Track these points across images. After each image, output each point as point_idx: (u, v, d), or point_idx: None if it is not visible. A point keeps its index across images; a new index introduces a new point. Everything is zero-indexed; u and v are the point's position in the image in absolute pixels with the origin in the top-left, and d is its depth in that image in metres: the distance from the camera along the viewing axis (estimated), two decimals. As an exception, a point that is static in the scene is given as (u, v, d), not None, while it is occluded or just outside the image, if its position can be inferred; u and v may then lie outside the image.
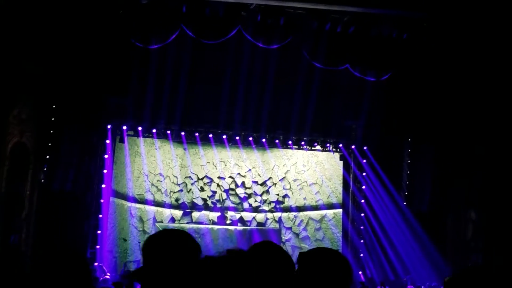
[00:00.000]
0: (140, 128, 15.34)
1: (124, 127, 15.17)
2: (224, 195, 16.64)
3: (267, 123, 15.42)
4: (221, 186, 16.69)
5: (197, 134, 15.73)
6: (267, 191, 16.91)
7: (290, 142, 16.34)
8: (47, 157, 13.42)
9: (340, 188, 17.06)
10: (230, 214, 16.54)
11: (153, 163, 16.23)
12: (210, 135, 15.78)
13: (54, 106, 13.52)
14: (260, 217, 16.74)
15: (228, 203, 16.62)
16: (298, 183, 17.14)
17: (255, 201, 16.79)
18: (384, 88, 14.74)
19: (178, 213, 16.31)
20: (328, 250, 2.48)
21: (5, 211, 12.03)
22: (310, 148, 16.79)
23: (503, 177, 13.55)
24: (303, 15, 13.45)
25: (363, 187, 16.34)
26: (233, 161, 16.69)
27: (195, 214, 16.40)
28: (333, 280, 2.33)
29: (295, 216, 17.00)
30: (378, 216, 15.81)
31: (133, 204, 15.83)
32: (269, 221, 16.84)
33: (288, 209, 16.98)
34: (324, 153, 17.16)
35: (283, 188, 17.00)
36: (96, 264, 13.72)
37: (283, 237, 16.74)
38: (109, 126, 14.84)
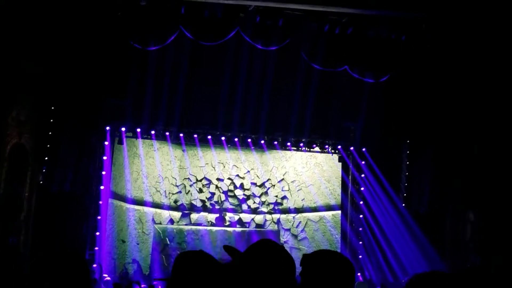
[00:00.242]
0: (138, 130, 15.34)
1: (123, 129, 15.16)
2: (223, 197, 16.65)
3: (266, 125, 15.43)
4: (220, 187, 16.70)
5: (195, 135, 15.73)
6: (266, 193, 16.92)
7: (288, 144, 16.34)
8: (46, 158, 13.41)
9: (338, 190, 17.07)
10: (228, 215, 16.55)
11: (151, 165, 16.23)
12: (209, 137, 15.78)
13: (52, 108, 13.52)
14: (258, 218, 16.75)
15: (226, 205, 16.63)
16: (296, 184, 17.15)
17: (254, 202, 16.80)
18: (383, 89, 14.76)
19: (176, 214, 16.31)
20: (331, 252, 2.50)
21: (4, 213, 12.02)
22: (308, 149, 16.79)
23: (501, 178, 13.57)
24: (302, 16, 13.47)
25: (362, 188, 16.34)
26: (231, 163, 16.70)
27: (194, 216, 16.40)
28: (337, 282, 2.35)
29: (294, 218, 17.02)
30: (376, 217, 15.81)
31: (132, 206, 15.82)
32: (267, 223, 16.84)
33: (287, 211, 16.99)
34: (322, 154, 17.17)
35: (282, 190, 17.02)
36: (94, 265, 13.71)
37: (281, 239, 16.75)
38: (107, 128, 14.83)
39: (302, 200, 17.09)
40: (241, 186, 16.77)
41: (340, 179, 17.03)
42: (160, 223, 16.06)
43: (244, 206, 16.71)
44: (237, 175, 16.80)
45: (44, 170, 13.37)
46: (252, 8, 13.25)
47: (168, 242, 15.90)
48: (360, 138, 16.06)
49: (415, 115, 15.17)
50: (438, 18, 13.23)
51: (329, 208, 17.12)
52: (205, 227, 16.25)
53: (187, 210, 16.37)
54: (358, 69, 14.28)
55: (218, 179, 16.65)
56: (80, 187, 14.01)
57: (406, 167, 15.92)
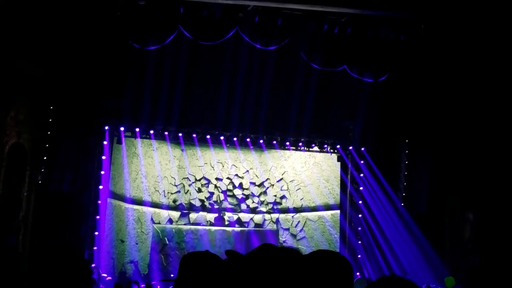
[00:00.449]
0: (137, 129, 15.33)
1: (122, 128, 15.15)
2: (222, 196, 16.64)
3: (265, 124, 15.44)
4: (219, 187, 16.69)
5: (194, 135, 15.72)
6: (265, 192, 16.91)
7: (287, 143, 16.34)
8: (45, 158, 13.41)
9: (337, 189, 17.07)
10: (227, 215, 16.54)
11: (150, 164, 16.22)
12: (208, 136, 15.77)
13: (51, 107, 13.51)
14: (257, 218, 16.75)
15: (225, 204, 16.62)
16: (295, 184, 17.15)
17: (253, 202, 16.80)
18: (382, 89, 14.77)
19: (175, 214, 16.29)
20: (329, 252, 2.51)
21: (2, 212, 12.01)
22: (307, 149, 16.80)
23: (500, 178, 13.58)
24: (301, 16, 13.47)
25: (361, 188, 16.35)
26: (230, 162, 16.69)
27: (193, 215, 16.39)
28: (336, 282, 2.35)
29: (293, 217, 17.01)
30: (375, 217, 15.82)
31: (131, 205, 15.81)
32: (266, 222, 16.84)
33: (286, 210, 16.98)
34: (321, 154, 17.17)
35: (281, 189, 17.01)
36: (93, 265, 13.70)
37: (280, 238, 16.74)
38: (106, 127, 14.82)
39: (301, 199, 17.09)
40: (240, 186, 16.77)
41: (339, 178, 17.03)
42: (159, 223, 16.05)
43: (243, 206, 16.70)
44: (236, 175, 16.79)
45: (42, 170, 13.36)
46: (251, 8, 13.25)
47: (167, 242, 15.89)
48: (359, 137, 16.07)
49: (414, 115, 15.19)
50: (437, 19, 13.24)
51: (328, 207, 17.12)
52: (204, 227, 16.24)
53: (186, 209, 16.36)
54: (357, 69, 14.28)
55: (217, 179, 16.65)
56: (79, 187, 14.00)
57: (405, 167, 15.93)
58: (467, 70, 13.78)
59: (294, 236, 16.95)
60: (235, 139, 15.91)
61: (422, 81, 14.49)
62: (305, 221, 17.04)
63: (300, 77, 14.61)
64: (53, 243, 12.63)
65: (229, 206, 16.66)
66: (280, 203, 16.98)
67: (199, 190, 16.55)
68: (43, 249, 12.41)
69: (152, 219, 16.00)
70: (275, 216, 16.89)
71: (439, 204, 15.44)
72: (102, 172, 14.63)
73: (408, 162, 15.93)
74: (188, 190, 16.49)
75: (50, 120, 13.50)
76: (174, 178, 16.37)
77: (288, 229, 16.94)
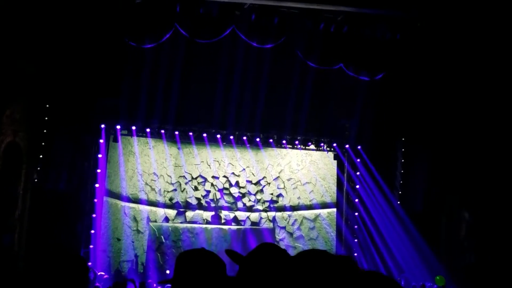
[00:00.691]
0: (133, 128, 15.31)
1: (118, 127, 15.13)
2: (218, 195, 16.63)
3: (261, 123, 15.44)
4: (215, 185, 16.68)
5: (191, 133, 15.72)
6: (261, 191, 16.91)
7: (284, 142, 16.35)
8: (41, 156, 13.37)
9: (334, 188, 17.10)
10: (224, 213, 16.53)
11: (147, 163, 16.20)
12: (204, 135, 15.77)
13: (47, 106, 13.47)
14: (254, 216, 16.75)
15: (222, 203, 16.61)
16: (292, 182, 17.15)
17: (249, 200, 16.79)
18: (378, 87, 14.79)
19: (172, 212, 16.28)
20: (320, 252, 2.49)
21: (-2, 211, 11.99)
22: (304, 147, 16.81)
23: (497, 176, 13.62)
24: (297, 14, 13.48)
25: (357, 186, 16.38)
26: (227, 161, 16.68)
27: (189, 214, 16.38)
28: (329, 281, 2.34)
29: (289, 216, 17.01)
30: (372, 215, 15.86)
31: (127, 204, 15.78)
32: (263, 221, 16.84)
33: (282, 209, 16.99)
34: (318, 152, 17.19)
35: (277, 188, 17.01)
36: (89, 264, 13.68)
37: (277, 237, 16.75)
38: (102, 126, 14.79)
39: (297, 198, 17.10)
40: (237, 184, 16.76)
41: (336, 177, 17.05)
42: (155, 221, 16.03)
43: (240, 204, 16.70)
44: (233, 173, 16.78)
45: (38, 168, 13.33)
46: (247, 6, 13.25)
47: (164, 240, 15.88)
48: (356, 136, 16.10)
49: (410, 113, 15.21)
50: (433, 17, 13.26)
51: (324, 206, 17.14)
52: (201, 225, 16.23)
53: (182, 208, 16.35)
54: (353, 67, 14.30)
55: (213, 177, 16.63)
56: (75, 185, 13.97)
57: (401, 165, 15.96)
58: (464, 68, 13.81)
59: (290, 234, 16.96)
60: (231, 137, 15.91)
61: (419, 80, 14.52)
62: (302, 220, 17.05)
63: (296, 75, 14.62)
64: (49, 242, 12.60)
65: (226, 204, 16.65)
66: (276, 202, 16.98)
67: (196, 189, 16.53)
68: (39, 248, 12.38)
69: (148, 217, 15.98)
70: (271, 214, 16.89)
71: (435, 202, 15.48)
72: (98, 171, 14.60)
73: (404, 160, 15.97)
74: (184, 189, 16.47)
75: (46, 118, 13.47)
76: (170, 176, 16.35)
77: (284, 228, 16.94)
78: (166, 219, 16.19)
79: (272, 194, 16.94)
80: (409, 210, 15.46)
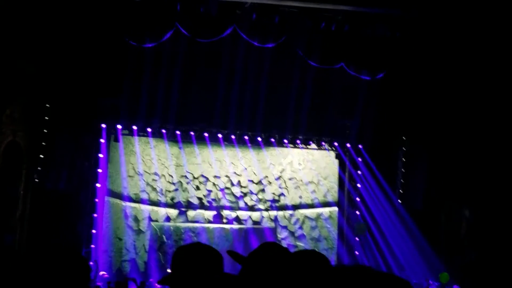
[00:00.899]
0: (135, 127, 15.29)
1: (119, 126, 15.11)
2: (220, 194, 16.61)
3: (263, 122, 15.42)
4: (217, 185, 16.66)
5: (192, 133, 15.69)
6: (263, 190, 16.90)
7: (285, 141, 16.33)
8: (41, 156, 13.36)
9: (335, 187, 17.08)
10: (225, 213, 16.52)
11: (148, 162, 16.18)
12: (206, 134, 15.74)
13: (47, 105, 13.46)
14: (255, 215, 16.73)
15: (223, 202, 16.59)
16: (293, 181, 17.14)
17: (251, 200, 16.78)
18: (379, 86, 14.77)
19: (173, 212, 16.26)
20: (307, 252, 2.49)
21: (-1, 211, 11.99)
22: (305, 146, 16.79)
23: (496, 175, 13.62)
24: (298, 14, 13.46)
25: (358, 185, 16.37)
26: (228, 160, 16.66)
27: (191, 213, 16.37)
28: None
29: (291, 215, 17.00)
30: (373, 214, 15.86)
31: (128, 203, 15.77)
32: (264, 220, 16.82)
33: (284, 208, 16.97)
34: (319, 151, 17.17)
35: (279, 187, 16.99)
36: (91, 263, 13.67)
37: (278, 236, 16.74)
38: (103, 125, 14.77)
39: (299, 197, 17.08)
40: (238, 184, 16.74)
41: (337, 176, 17.03)
42: (157, 221, 16.01)
43: (241, 203, 16.68)
44: (234, 172, 16.77)
45: (39, 168, 13.31)
46: (248, 5, 13.24)
47: (165, 240, 15.87)
48: (357, 135, 16.07)
49: (411, 112, 15.20)
50: (433, 15, 13.24)
51: (326, 205, 17.12)
52: (202, 225, 16.22)
53: (184, 207, 16.33)
54: (354, 66, 14.30)
55: (215, 177, 16.61)
56: (76, 185, 13.97)
57: (402, 164, 15.95)
58: (464, 67, 13.80)
59: (292, 233, 16.94)
60: (233, 136, 15.88)
61: (420, 79, 14.50)
62: (303, 219, 17.04)
63: (297, 74, 14.60)
64: (50, 242, 12.59)
65: (227, 204, 16.64)
66: (278, 201, 16.97)
67: (197, 188, 16.52)
68: (40, 248, 12.38)
69: (150, 217, 15.96)
70: (273, 213, 16.87)
71: (435, 201, 15.49)
72: (99, 170, 14.59)
73: (405, 159, 15.96)
74: (186, 188, 16.45)
75: (47, 118, 13.46)
76: (171, 176, 16.34)
77: (286, 227, 16.93)
78: (168, 219, 16.17)
79: (273, 193, 16.92)
80: (409, 208, 15.46)
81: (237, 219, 16.59)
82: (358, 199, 16.33)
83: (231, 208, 16.60)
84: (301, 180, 17.10)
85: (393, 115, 15.40)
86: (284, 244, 16.44)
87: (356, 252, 16.12)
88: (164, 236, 15.84)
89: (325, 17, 13.59)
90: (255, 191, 16.79)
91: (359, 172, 16.34)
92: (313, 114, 15.36)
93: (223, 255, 2.55)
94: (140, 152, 16.00)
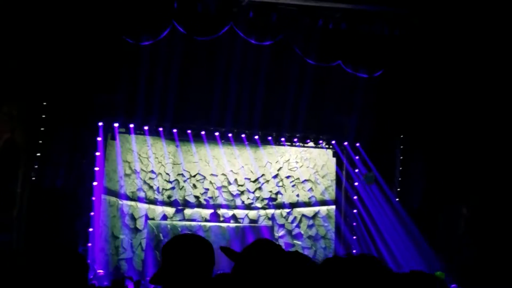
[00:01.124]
0: (131, 125, 15.27)
1: (116, 124, 15.09)
2: (217, 192, 16.62)
3: (260, 120, 15.39)
4: (214, 183, 16.67)
5: (189, 131, 15.68)
6: (260, 188, 16.91)
7: (282, 139, 16.33)
8: (38, 154, 13.33)
9: (333, 185, 17.10)
10: (222, 211, 16.52)
11: (145, 161, 16.18)
12: (203, 132, 15.73)
13: (45, 103, 13.43)
14: (252, 214, 16.74)
15: (220, 200, 16.61)
16: (291, 180, 17.15)
17: (248, 198, 16.79)
18: (377, 85, 14.77)
19: (170, 210, 16.27)
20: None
21: (-4, 209, 11.95)
22: (302, 144, 16.80)
23: (494, 173, 13.64)
24: (295, 11, 13.45)
25: (356, 183, 16.38)
26: (225, 158, 16.66)
27: (188, 211, 16.37)
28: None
29: (288, 213, 17.02)
30: (370, 212, 15.88)
31: (125, 202, 15.77)
32: (261, 218, 16.84)
33: (281, 206, 16.99)
34: (316, 149, 17.19)
35: (276, 185, 17.01)
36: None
37: (276, 234, 16.75)
38: (100, 123, 14.74)
39: (296, 195, 17.10)
40: (235, 182, 16.75)
41: (334, 174, 17.05)
42: (154, 219, 16.01)
43: (238, 202, 16.69)
44: (231, 171, 16.78)
45: (36, 166, 13.29)
46: (245, 3, 13.21)
47: (162, 238, 15.86)
48: (354, 133, 16.07)
49: (409, 110, 15.20)
50: (431, 13, 13.25)
51: (323, 203, 17.15)
52: (199, 223, 16.22)
53: (180, 206, 16.34)
54: (351, 64, 14.28)
55: (212, 175, 16.62)
56: (73, 183, 13.94)
57: (400, 162, 15.97)
58: (462, 65, 13.80)
59: (289, 232, 16.96)
60: (230, 135, 15.87)
61: (417, 77, 14.50)
62: (301, 217, 17.05)
63: (295, 72, 14.57)
64: (47, 240, 12.56)
65: (224, 202, 16.65)
66: (275, 199, 16.98)
67: (194, 186, 16.52)
68: (38, 246, 12.34)
69: (146, 215, 15.96)
70: (270, 212, 16.89)
71: (433, 199, 15.49)
72: (96, 169, 14.56)
73: (402, 157, 15.97)
74: (183, 186, 16.46)
75: (44, 116, 13.42)
76: (168, 174, 16.33)
77: (283, 225, 16.94)
78: (165, 217, 16.17)
79: (270, 191, 16.94)
80: (407, 206, 15.47)
81: (234, 218, 16.60)
82: (355, 197, 16.34)
83: (228, 207, 16.61)
84: (298, 178, 17.11)
85: (391, 113, 15.40)
86: (281, 242, 16.46)
87: (354, 251, 16.12)
88: (161, 234, 15.83)
89: (322, 15, 13.57)
90: (252, 190, 16.80)
91: (356, 170, 16.35)
92: (311, 112, 15.34)
93: (219, 254, 2.50)
94: (137, 150, 16.00)
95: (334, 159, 16.99)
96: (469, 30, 13.12)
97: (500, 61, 13.22)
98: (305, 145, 16.84)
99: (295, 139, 16.44)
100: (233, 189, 16.72)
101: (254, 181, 16.90)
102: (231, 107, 14.92)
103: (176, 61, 14.19)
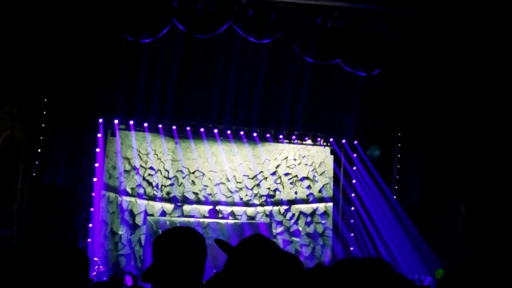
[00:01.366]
0: (131, 122, 15.34)
1: (116, 121, 15.16)
2: (215, 189, 16.71)
3: (258, 117, 15.47)
4: (212, 180, 16.75)
5: (188, 128, 15.76)
6: (258, 185, 16.99)
7: (281, 136, 16.40)
8: (39, 151, 13.41)
9: (330, 182, 17.17)
10: (221, 207, 16.62)
11: (144, 157, 16.26)
12: (202, 129, 15.80)
13: (45, 100, 13.50)
14: (250, 211, 16.84)
15: (219, 197, 16.69)
16: (289, 177, 17.24)
17: (246, 195, 16.88)
18: (375, 83, 14.84)
19: (169, 206, 16.36)
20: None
21: (-3, 204, 12.04)
22: (301, 142, 16.87)
23: (492, 171, 13.72)
24: (294, 10, 13.51)
25: (354, 181, 16.45)
26: (224, 155, 16.74)
27: (187, 208, 16.47)
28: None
29: (286, 210, 17.11)
30: (368, 210, 15.95)
31: (125, 198, 15.86)
32: (259, 215, 16.94)
33: (279, 203, 17.08)
34: (315, 147, 17.25)
35: (274, 182, 17.09)
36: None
37: (273, 231, 16.85)
38: (100, 120, 14.82)
39: (294, 192, 17.19)
40: (234, 179, 16.84)
41: (332, 171, 17.12)
42: (153, 215, 16.11)
43: (237, 199, 16.78)
44: (230, 168, 16.86)
45: (37, 163, 13.37)
46: (245, 1, 13.27)
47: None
48: (352, 131, 16.14)
49: (406, 109, 15.28)
50: (430, 13, 13.31)
51: (321, 200, 17.23)
52: (198, 219, 16.32)
53: (179, 202, 16.43)
54: (350, 63, 14.34)
55: (210, 171, 16.70)
56: (73, 180, 14.02)
57: (398, 160, 16.04)
58: (460, 64, 13.87)
59: (287, 229, 17.06)
60: (228, 132, 15.94)
61: (415, 75, 14.57)
62: (298, 214, 17.14)
63: (293, 70, 14.64)
64: (47, 235, 12.66)
65: (223, 199, 16.73)
66: (273, 196, 17.07)
67: (193, 183, 16.61)
68: (38, 242, 12.44)
69: (146, 211, 16.06)
70: (268, 209, 16.98)
71: (431, 197, 15.57)
72: (96, 165, 14.65)
73: (400, 155, 16.04)
74: (182, 183, 16.55)
75: (44, 113, 13.50)
76: (168, 170, 16.42)
77: (281, 222, 17.04)
78: (164, 213, 16.27)
79: (269, 188, 17.03)
80: (405, 204, 15.55)
81: (232, 214, 16.70)
82: (353, 195, 16.41)
83: (226, 203, 16.70)
84: (296, 176, 17.20)
85: (389, 112, 15.47)
86: (279, 239, 16.57)
87: (351, 248, 16.23)
88: (160, 230, 15.94)
89: (321, 13, 13.62)
90: (250, 186, 16.89)
91: (354, 168, 16.43)
92: (309, 110, 15.41)
93: (216, 249, 2.45)
94: (136, 147, 16.08)
95: (332, 156, 17.06)
96: (467, 30, 13.19)
97: (498, 60, 13.29)
98: (303, 142, 16.91)
99: (293, 137, 16.51)
100: (232, 186, 16.82)
101: (252, 178, 16.99)
102: (230, 104, 14.99)
103: (175, 58, 14.25)
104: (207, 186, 16.69)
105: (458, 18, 12.98)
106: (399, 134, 16.13)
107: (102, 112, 14.74)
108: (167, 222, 16.15)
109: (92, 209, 14.47)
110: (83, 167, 14.38)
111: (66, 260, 2.40)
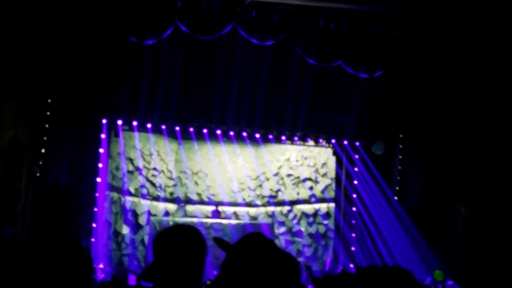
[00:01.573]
0: (135, 123, 15.42)
1: (119, 122, 15.24)
2: (218, 190, 16.77)
3: (261, 119, 15.53)
4: (215, 180, 16.81)
5: (191, 129, 15.82)
6: (261, 186, 17.04)
7: (283, 138, 16.45)
8: (42, 151, 13.51)
9: (332, 183, 17.21)
10: (224, 208, 16.68)
11: (147, 158, 16.33)
12: (205, 130, 15.86)
13: (49, 101, 13.60)
14: (253, 211, 16.89)
15: (222, 198, 16.75)
16: (291, 178, 17.28)
17: (249, 195, 16.92)
18: (377, 84, 14.89)
19: (172, 207, 16.43)
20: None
21: (0, 205, 12.12)
22: (303, 143, 16.92)
23: (493, 172, 13.75)
24: (297, 12, 13.58)
25: (355, 182, 16.49)
26: (227, 156, 16.80)
27: (189, 208, 16.53)
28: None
29: (288, 211, 17.15)
30: (369, 210, 15.98)
31: (128, 198, 15.93)
32: (262, 216, 16.99)
33: (281, 204, 17.12)
34: (317, 148, 17.30)
35: (277, 183, 17.14)
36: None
37: (276, 231, 16.90)
38: (104, 121, 14.89)
39: (296, 193, 17.24)
40: (236, 179, 16.90)
41: (334, 172, 17.16)
42: (156, 216, 16.18)
43: (239, 199, 16.84)
44: (233, 168, 16.91)
45: (40, 163, 13.46)
46: (248, 2, 13.35)
47: (164, 234, 16.01)
48: (354, 132, 16.19)
49: (408, 110, 15.32)
50: (431, 14, 13.35)
51: (323, 201, 17.27)
52: (201, 219, 16.38)
53: (182, 202, 16.49)
54: (352, 65, 14.40)
55: (213, 172, 16.76)
56: (77, 180, 14.10)
57: (399, 161, 16.08)
58: (461, 65, 13.91)
59: (289, 229, 17.10)
60: (231, 133, 16.00)
61: (417, 77, 14.61)
62: (301, 215, 17.19)
63: (295, 72, 14.70)
64: (51, 235, 12.76)
65: (226, 199, 16.79)
66: (275, 197, 17.12)
67: (196, 184, 16.67)
68: (41, 241, 12.54)
69: (149, 211, 16.12)
70: (270, 209, 17.03)
71: (432, 198, 15.61)
72: (100, 165, 14.73)
73: (401, 156, 16.08)
74: (185, 184, 16.60)
75: (48, 113, 13.59)
76: (171, 171, 16.48)
77: (283, 223, 17.08)
78: (167, 214, 16.33)
79: (271, 189, 17.07)
80: (406, 205, 15.59)
81: (235, 215, 16.75)
82: (354, 195, 16.45)
83: (229, 204, 16.75)
84: (299, 177, 17.24)
85: (390, 113, 15.52)
86: (281, 239, 16.64)
87: (352, 248, 16.27)
88: (163, 231, 15.99)
89: (323, 15, 13.69)
90: (253, 187, 16.94)
91: (355, 169, 16.47)
92: (311, 111, 15.47)
93: (217, 249, 2.46)
94: (140, 148, 16.15)
95: (334, 157, 17.10)
96: (468, 30, 13.22)
97: (498, 61, 13.32)
98: (305, 143, 16.95)
99: (296, 138, 16.56)
100: (235, 186, 16.87)
101: (255, 179, 17.04)
102: (232, 105, 15.06)
103: (178, 60, 14.33)
104: (210, 186, 16.75)
105: (459, 18, 13.01)
106: (401, 135, 16.17)
107: (106, 113, 14.82)
108: (170, 222, 16.20)
109: (95, 209, 14.56)
110: (87, 167, 14.46)
111: (68, 259, 2.42)
